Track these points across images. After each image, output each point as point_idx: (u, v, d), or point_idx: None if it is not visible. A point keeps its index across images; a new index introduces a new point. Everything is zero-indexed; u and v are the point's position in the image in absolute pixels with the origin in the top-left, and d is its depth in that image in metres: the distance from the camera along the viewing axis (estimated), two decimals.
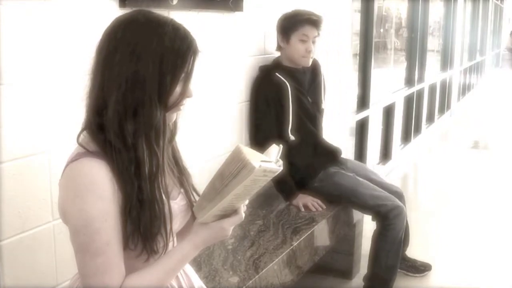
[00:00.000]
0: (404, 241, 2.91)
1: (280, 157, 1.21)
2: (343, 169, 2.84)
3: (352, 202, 2.77)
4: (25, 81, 1.58)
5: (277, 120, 2.69)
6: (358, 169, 2.97)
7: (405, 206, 2.90)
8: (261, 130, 2.69)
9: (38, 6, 1.59)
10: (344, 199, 2.76)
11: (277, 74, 2.68)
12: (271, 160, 1.17)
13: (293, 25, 2.68)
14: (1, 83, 1.51)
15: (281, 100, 2.67)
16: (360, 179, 2.81)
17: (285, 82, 2.67)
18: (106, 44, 1.15)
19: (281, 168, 1.18)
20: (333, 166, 2.82)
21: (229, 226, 1.25)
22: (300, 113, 2.74)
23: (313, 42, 2.72)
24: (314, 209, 2.66)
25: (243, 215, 1.26)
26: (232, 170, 1.12)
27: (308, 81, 2.84)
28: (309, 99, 2.81)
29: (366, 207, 2.77)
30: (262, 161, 1.13)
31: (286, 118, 2.69)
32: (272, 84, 2.67)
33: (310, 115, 2.80)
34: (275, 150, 1.22)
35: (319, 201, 2.71)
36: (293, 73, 2.74)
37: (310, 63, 2.77)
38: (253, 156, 1.12)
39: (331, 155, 2.87)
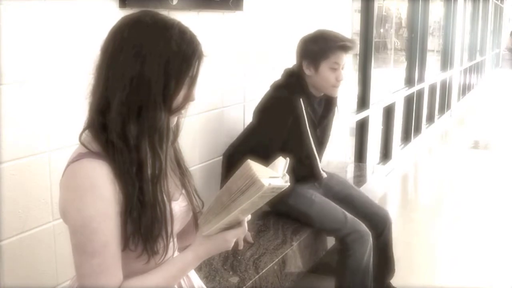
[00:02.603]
0: (388, 268, 2.73)
1: (286, 171, 1.20)
2: (315, 186, 2.58)
3: (309, 225, 2.45)
4: (25, 81, 1.58)
5: (283, 144, 2.37)
6: (337, 187, 2.68)
7: (390, 226, 2.69)
8: (265, 148, 2.23)
9: (38, 6, 1.59)
10: (301, 222, 2.46)
11: (301, 100, 2.38)
12: (278, 176, 1.16)
13: (323, 51, 2.36)
14: (1, 83, 1.51)
15: (297, 130, 2.39)
16: (318, 200, 2.49)
17: (303, 113, 2.38)
18: (111, 43, 1.15)
19: (288, 184, 1.17)
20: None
21: (233, 238, 1.25)
22: (306, 148, 2.47)
23: (342, 69, 2.42)
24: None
25: (246, 227, 1.26)
26: (240, 186, 1.12)
27: (321, 112, 2.56)
28: (318, 132, 2.53)
29: (323, 231, 2.51)
30: (270, 177, 1.12)
31: (298, 149, 2.44)
32: (297, 111, 2.37)
33: (313, 151, 2.51)
34: (281, 164, 1.22)
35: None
36: (312, 102, 2.48)
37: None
38: (261, 172, 1.12)
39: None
